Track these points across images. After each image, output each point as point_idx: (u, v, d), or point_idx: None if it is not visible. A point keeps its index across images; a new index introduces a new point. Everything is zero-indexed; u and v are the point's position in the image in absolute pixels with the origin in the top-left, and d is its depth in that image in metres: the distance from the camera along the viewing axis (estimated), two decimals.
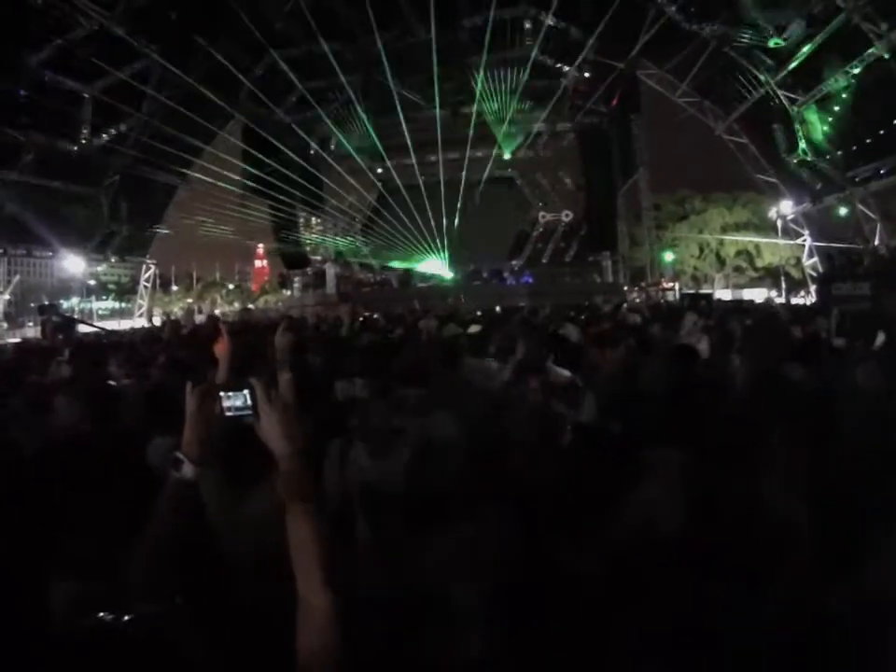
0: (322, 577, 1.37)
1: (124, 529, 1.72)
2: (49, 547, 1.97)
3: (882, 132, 17.51)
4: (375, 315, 12.29)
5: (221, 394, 1.65)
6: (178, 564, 1.64)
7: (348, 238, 36.66)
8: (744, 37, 18.61)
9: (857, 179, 19.93)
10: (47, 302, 22.74)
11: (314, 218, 41.10)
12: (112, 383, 5.40)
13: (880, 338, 6.00)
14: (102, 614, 1.09)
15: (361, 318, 11.18)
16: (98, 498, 2.03)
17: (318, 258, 39.59)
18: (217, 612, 1.65)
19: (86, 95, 19.78)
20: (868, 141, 18.28)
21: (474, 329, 7.97)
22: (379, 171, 36.53)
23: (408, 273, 30.63)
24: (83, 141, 20.75)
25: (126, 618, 1.08)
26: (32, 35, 17.70)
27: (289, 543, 1.43)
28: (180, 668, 1.07)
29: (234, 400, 1.63)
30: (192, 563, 1.70)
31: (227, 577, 1.89)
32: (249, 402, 1.60)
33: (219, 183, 27.83)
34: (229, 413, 1.65)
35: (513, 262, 34.17)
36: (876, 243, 20.18)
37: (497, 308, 12.54)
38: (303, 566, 1.40)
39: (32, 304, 41.76)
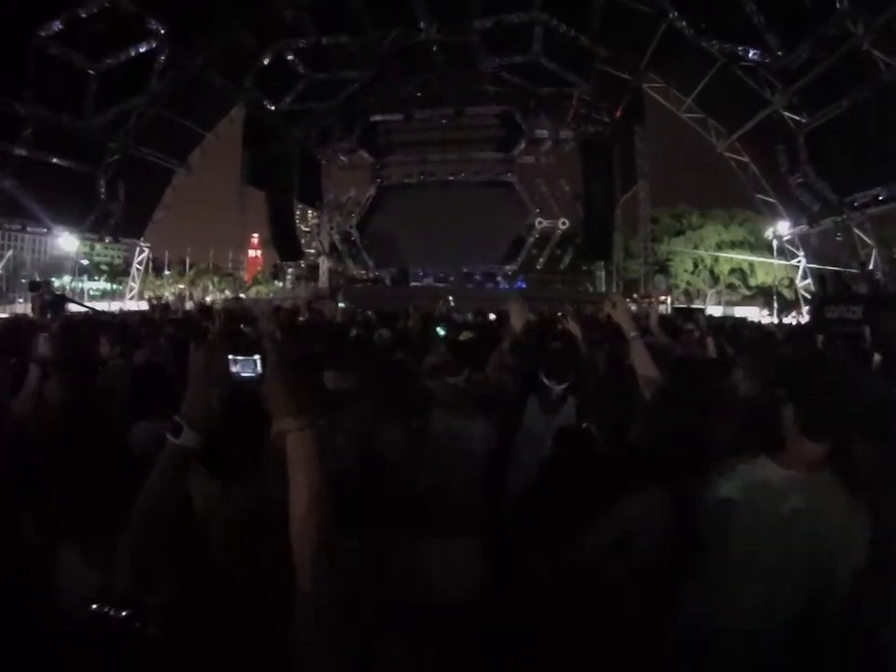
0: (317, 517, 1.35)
1: (109, 510, 1.65)
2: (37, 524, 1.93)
3: (883, 158, 17.55)
4: (368, 312, 12.16)
5: (230, 357, 1.56)
6: (174, 545, 1.54)
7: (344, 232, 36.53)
8: (753, 56, 18.62)
9: (855, 204, 20.01)
10: (38, 279, 22.49)
11: (310, 211, 40.97)
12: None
13: (876, 359, 6.03)
14: (95, 606, 1.04)
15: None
16: (81, 479, 1.98)
17: (312, 251, 39.47)
18: (208, 603, 1.58)
19: (91, 72, 19.56)
20: (868, 166, 18.34)
21: (466, 335, 7.65)
22: (379, 167, 36.43)
23: (402, 271, 30.45)
24: (86, 118, 20.52)
25: (123, 613, 1.03)
26: (42, 6, 17.54)
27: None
28: (174, 665, 1.03)
29: (244, 366, 1.56)
30: (185, 546, 1.61)
31: (216, 568, 1.81)
32: (259, 370, 1.54)
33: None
34: (236, 378, 1.56)
35: (507, 267, 34.12)
36: (871, 268, 20.26)
37: (492, 315, 12.34)
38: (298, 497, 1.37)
39: (23, 280, 41.45)
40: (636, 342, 3.55)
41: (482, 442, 3.58)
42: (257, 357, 1.54)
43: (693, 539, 2.24)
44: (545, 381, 4.11)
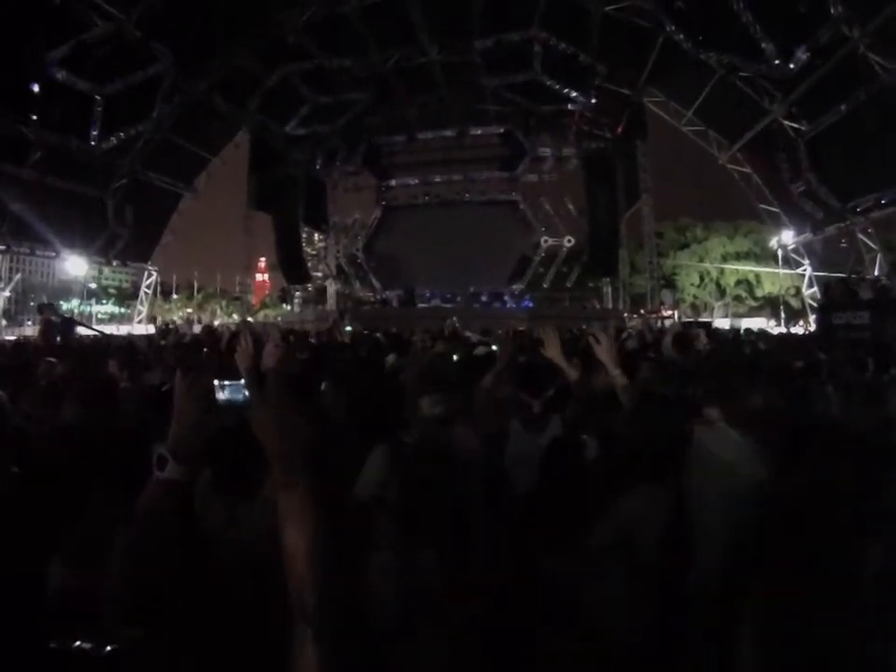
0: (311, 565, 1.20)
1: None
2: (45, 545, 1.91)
3: (883, 161, 17.52)
4: (378, 334, 12.21)
5: (217, 383, 1.45)
6: (161, 580, 1.39)
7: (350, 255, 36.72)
8: (750, 66, 18.70)
9: (858, 209, 19.97)
10: (46, 301, 22.66)
11: (316, 234, 41.11)
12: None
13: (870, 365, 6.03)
14: (79, 643, 1.01)
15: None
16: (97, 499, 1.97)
17: (319, 274, 39.60)
18: (204, 637, 1.47)
19: (97, 97, 19.78)
20: (869, 170, 18.31)
21: (481, 350, 7.58)
22: (384, 189, 36.66)
23: (409, 292, 30.49)
24: (92, 143, 20.72)
25: (108, 648, 1.00)
26: (48, 32, 17.76)
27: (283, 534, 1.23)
28: None
29: (232, 392, 1.46)
30: (178, 580, 1.44)
31: (216, 598, 1.68)
32: (248, 395, 1.46)
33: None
34: (224, 405, 1.47)
35: (514, 286, 34.21)
36: (876, 273, 20.21)
37: (500, 331, 12.34)
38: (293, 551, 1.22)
39: (32, 303, 41.74)
40: (618, 379, 3.57)
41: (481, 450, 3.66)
42: (243, 381, 1.46)
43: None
44: (523, 397, 4.12)
